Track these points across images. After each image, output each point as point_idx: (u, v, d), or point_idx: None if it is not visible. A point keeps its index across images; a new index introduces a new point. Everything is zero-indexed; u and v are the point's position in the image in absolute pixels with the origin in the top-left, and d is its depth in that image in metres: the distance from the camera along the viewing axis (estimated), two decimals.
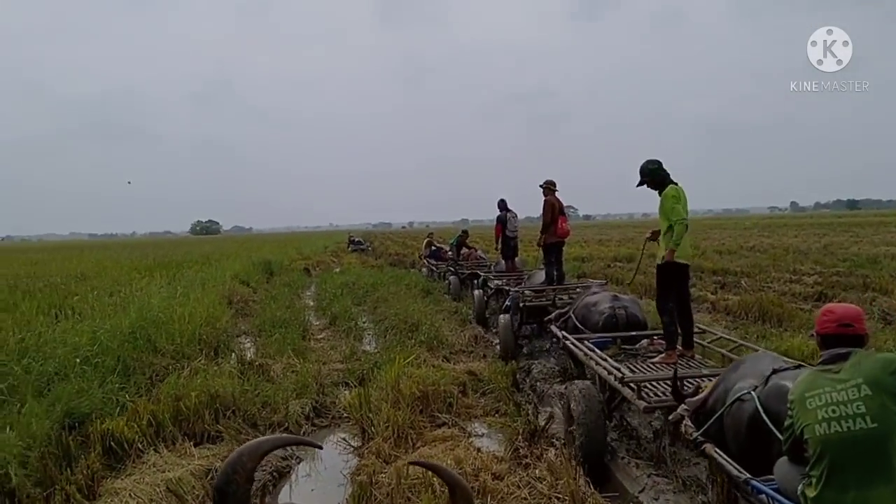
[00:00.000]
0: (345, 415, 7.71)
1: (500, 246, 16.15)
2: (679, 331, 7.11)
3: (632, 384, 5.74)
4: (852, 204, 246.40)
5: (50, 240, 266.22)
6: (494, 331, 12.19)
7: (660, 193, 7.08)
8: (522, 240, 17.53)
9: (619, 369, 6.08)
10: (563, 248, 12.65)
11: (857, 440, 3.00)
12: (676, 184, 7.10)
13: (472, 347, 11.19)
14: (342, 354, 10.72)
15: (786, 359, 5.17)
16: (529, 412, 7.27)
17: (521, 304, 11.12)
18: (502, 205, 15.66)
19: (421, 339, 10.82)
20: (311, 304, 18.36)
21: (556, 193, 12.03)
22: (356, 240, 49.66)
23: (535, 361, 10.10)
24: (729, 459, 4.11)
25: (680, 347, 7.10)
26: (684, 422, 4.85)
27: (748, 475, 3.83)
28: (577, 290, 11.10)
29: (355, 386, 8.55)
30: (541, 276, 12.69)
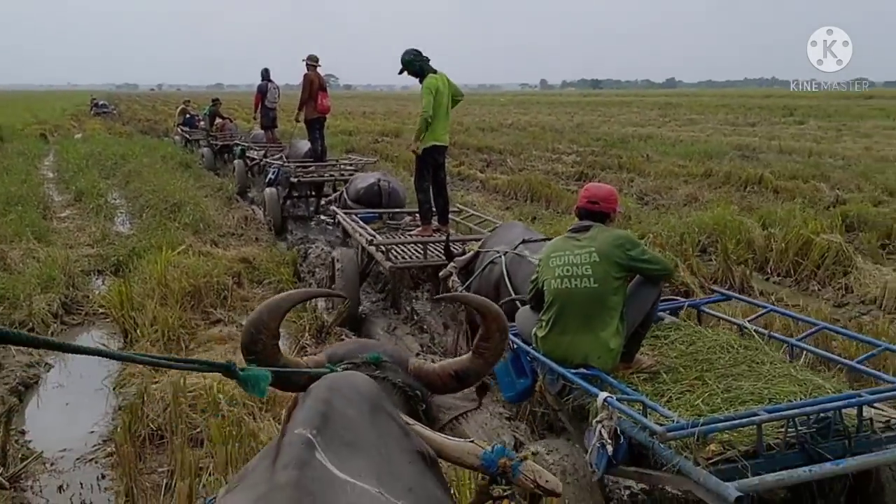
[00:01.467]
0: (101, 311, 6.80)
1: (258, 116, 15.98)
2: (434, 208, 7.52)
3: (382, 247, 6.50)
4: (595, 84, 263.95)
5: None
6: (259, 206, 12.31)
7: (420, 82, 7.21)
8: (285, 109, 17.38)
9: (374, 237, 6.69)
10: (325, 123, 12.75)
11: (580, 295, 3.69)
12: (436, 72, 7.21)
13: (243, 230, 10.42)
14: (92, 237, 9.57)
15: (534, 231, 6.07)
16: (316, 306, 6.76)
17: (291, 179, 11.04)
18: (264, 74, 15.25)
19: (185, 220, 9.87)
20: (52, 175, 16.43)
21: (318, 69, 12.01)
22: (100, 103, 45.27)
23: (312, 246, 9.59)
24: None
25: (436, 223, 7.49)
26: (451, 278, 5.50)
27: None
28: (343, 165, 11.58)
29: (111, 276, 7.59)
30: (301, 146, 12.93)
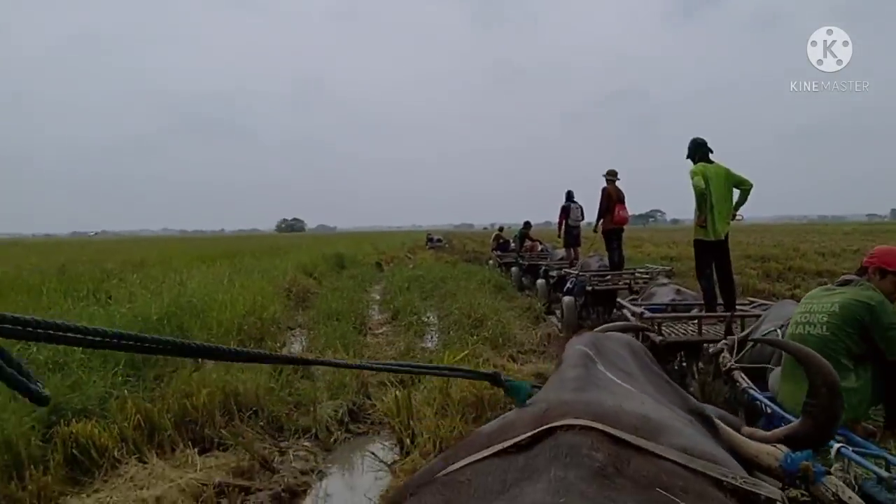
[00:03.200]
0: (387, 420, 6.45)
1: (562, 234, 16.03)
2: (720, 297, 7.60)
3: (652, 322, 6.55)
4: None
5: (142, 235, 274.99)
6: (559, 315, 12.19)
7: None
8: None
9: (644, 311, 6.97)
10: (622, 235, 12.98)
11: (811, 342, 3.48)
12: (711, 162, 7.52)
13: (544, 347, 9.80)
14: (398, 351, 9.51)
15: None
16: None
17: (587, 288, 11.24)
18: (569, 195, 15.64)
19: (485, 335, 9.50)
20: (377, 297, 17.27)
21: (617, 183, 12.44)
22: (435, 238, 48.62)
23: None
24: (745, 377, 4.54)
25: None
26: (723, 353, 5.29)
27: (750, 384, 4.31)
28: (638, 273, 11.64)
29: (400, 387, 7.30)
30: (592, 262, 13.36)
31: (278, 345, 9.32)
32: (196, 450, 5.39)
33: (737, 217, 7.74)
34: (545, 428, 1.31)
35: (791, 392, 3.70)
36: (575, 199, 15.68)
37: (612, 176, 12.45)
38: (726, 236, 7.61)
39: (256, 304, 11.07)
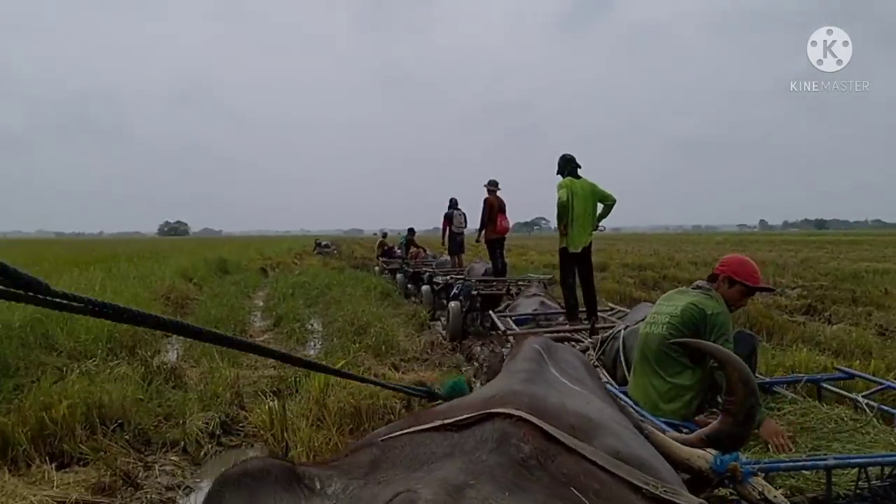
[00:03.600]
0: (260, 433, 6.26)
1: (445, 242, 16.71)
2: (577, 304, 8.15)
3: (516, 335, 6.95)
4: (820, 224, 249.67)
5: (14, 237, 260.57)
6: (444, 321, 12.68)
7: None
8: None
9: (513, 328, 7.52)
10: (504, 243, 13.53)
11: (652, 340, 4.03)
12: (578, 178, 8.12)
13: (428, 354, 9.80)
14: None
15: None
16: None
17: (472, 293, 11.69)
18: (452, 203, 16.27)
19: (368, 342, 9.41)
20: (260, 304, 16.88)
21: (498, 193, 13.02)
22: (323, 243, 48.15)
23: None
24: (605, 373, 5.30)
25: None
26: (588, 351, 5.81)
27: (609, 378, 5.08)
28: (520, 282, 12.03)
29: (272, 397, 7.12)
30: (478, 268, 13.81)
31: (149, 354, 8.90)
32: (53, 465, 5.09)
33: (599, 228, 8.35)
34: (485, 413, 1.37)
35: (637, 385, 4.14)
36: (458, 207, 16.14)
37: (493, 186, 12.93)
38: (589, 246, 8.18)
39: None
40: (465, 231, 16.72)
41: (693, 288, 4.17)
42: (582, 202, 7.98)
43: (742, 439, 1.85)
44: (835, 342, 9.24)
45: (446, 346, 10.60)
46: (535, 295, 9.76)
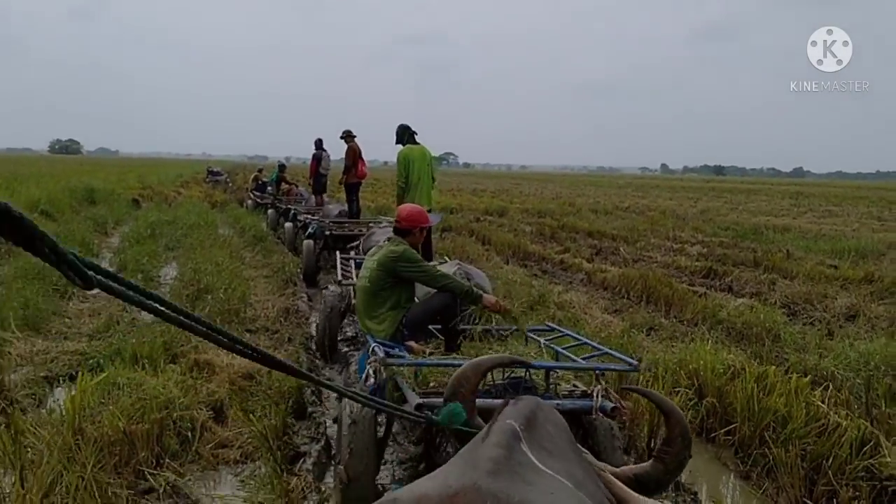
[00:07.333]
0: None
1: (312, 181, 17.39)
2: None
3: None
4: (719, 170, 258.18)
5: None
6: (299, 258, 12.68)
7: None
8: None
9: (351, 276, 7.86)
10: (360, 187, 14.65)
11: (360, 290, 5.31)
12: (416, 144, 9.52)
13: (280, 325, 8.27)
14: (95, 326, 7.72)
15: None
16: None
17: (325, 233, 12.06)
18: (318, 143, 16.62)
19: (209, 308, 7.95)
20: (115, 244, 15.00)
21: (356, 140, 13.87)
22: (215, 170, 45.24)
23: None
24: None
25: None
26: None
27: None
28: (371, 224, 12.33)
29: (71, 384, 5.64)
30: (332, 209, 14.60)
31: None
32: None
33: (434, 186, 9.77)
34: None
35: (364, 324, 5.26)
36: (324, 148, 16.67)
37: (350, 134, 13.85)
38: (430, 210, 8.77)
39: None
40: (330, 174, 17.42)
41: (389, 240, 5.35)
42: (421, 167, 9.29)
43: (666, 486, 2.00)
44: (740, 322, 8.38)
45: (303, 314, 9.13)
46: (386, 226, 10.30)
